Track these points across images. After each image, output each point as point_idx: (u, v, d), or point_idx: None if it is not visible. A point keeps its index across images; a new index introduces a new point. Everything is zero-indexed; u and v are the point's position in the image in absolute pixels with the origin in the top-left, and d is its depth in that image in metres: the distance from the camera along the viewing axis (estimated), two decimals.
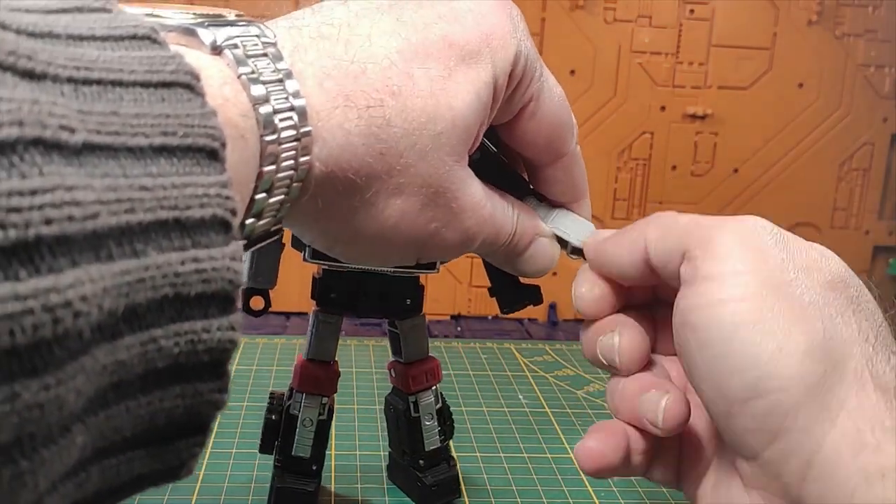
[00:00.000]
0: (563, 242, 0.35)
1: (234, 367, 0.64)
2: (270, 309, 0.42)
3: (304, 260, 0.38)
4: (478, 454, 0.53)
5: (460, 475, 0.46)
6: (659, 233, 0.32)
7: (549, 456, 0.53)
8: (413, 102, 0.28)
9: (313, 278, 0.41)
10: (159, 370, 0.20)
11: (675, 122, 0.82)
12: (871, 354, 0.28)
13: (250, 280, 0.41)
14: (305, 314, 0.79)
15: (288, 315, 0.79)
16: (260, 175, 0.25)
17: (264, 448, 0.43)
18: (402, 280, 0.40)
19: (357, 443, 0.53)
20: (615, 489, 0.49)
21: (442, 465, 0.44)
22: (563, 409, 0.61)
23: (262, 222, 0.26)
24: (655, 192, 0.82)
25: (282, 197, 0.26)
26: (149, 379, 0.20)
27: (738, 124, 0.82)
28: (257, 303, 0.41)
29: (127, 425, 0.20)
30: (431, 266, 0.39)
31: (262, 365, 0.65)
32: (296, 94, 0.25)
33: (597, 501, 0.48)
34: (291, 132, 0.25)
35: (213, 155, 0.21)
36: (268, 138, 0.25)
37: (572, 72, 0.80)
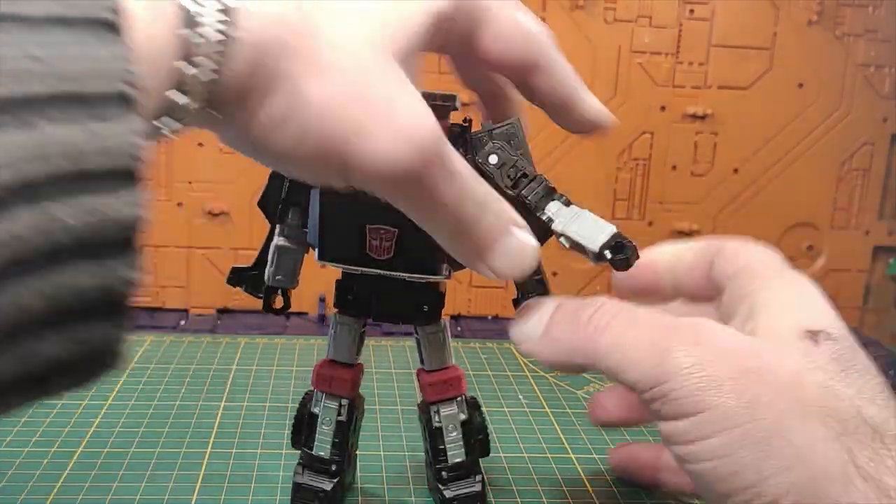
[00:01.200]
0: (581, 248, 0.33)
1: (233, 367, 0.64)
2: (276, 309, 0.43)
3: (317, 261, 0.39)
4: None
5: (488, 492, 0.44)
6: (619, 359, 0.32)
7: (549, 456, 0.53)
8: None
9: (336, 282, 0.41)
10: (62, 245, 0.19)
11: (675, 122, 0.82)
12: (853, 444, 0.29)
13: (271, 279, 0.41)
14: (305, 314, 0.79)
15: (288, 315, 0.79)
16: (180, 41, 0.24)
17: (294, 443, 0.44)
18: (421, 286, 0.39)
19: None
20: (615, 489, 0.49)
21: (467, 479, 0.43)
22: (563, 409, 0.61)
23: (187, 100, 0.25)
24: (655, 192, 0.82)
25: (208, 66, 0.25)
26: (51, 255, 0.19)
27: (738, 124, 0.82)
28: (278, 302, 0.43)
29: (33, 304, 0.19)
30: (448, 273, 0.38)
31: (262, 365, 0.65)
32: None
33: (597, 502, 0.48)
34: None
35: (112, 27, 0.20)
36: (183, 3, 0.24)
37: None
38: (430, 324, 0.42)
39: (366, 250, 0.37)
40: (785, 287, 0.35)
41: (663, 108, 0.81)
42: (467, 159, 0.32)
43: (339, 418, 0.42)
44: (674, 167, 0.82)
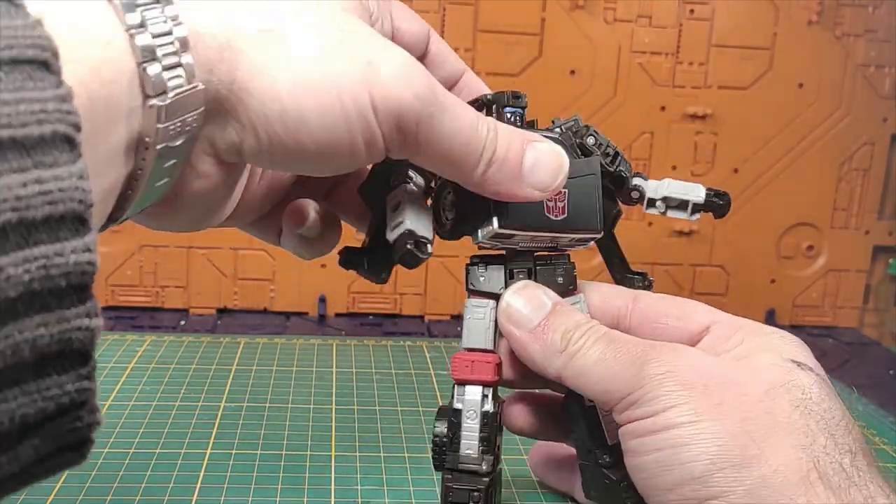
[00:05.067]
0: (682, 205, 0.38)
1: (233, 367, 0.64)
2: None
3: (477, 241, 0.37)
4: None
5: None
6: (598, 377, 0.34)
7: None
8: None
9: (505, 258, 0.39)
10: (12, 299, 0.19)
11: (675, 122, 0.82)
12: (820, 455, 0.30)
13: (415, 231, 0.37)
14: (306, 314, 0.79)
15: (288, 315, 0.79)
16: (139, 49, 0.24)
17: (437, 465, 0.40)
18: (551, 258, 0.39)
19: (357, 444, 0.53)
20: None
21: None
22: None
23: (170, 99, 0.25)
24: None
25: (177, 63, 0.25)
26: (3, 311, 0.18)
27: (738, 124, 0.82)
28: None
29: None
30: (591, 239, 0.38)
31: (262, 365, 0.65)
32: None
33: None
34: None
35: (45, 66, 0.19)
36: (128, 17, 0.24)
37: (572, 72, 0.80)
38: (566, 295, 0.39)
39: (545, 212, 0.36)
40: (772, 332, 0.37)
41: (663, 108, 0.81)
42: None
43: (485, 408, 0.39)
44: (674, 167, 0.82)
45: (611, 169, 0.39)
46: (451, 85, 0.39)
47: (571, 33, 0.79)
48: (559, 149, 0.34)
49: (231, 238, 0.79)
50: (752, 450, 0.30)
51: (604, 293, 0.40)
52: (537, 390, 0.42)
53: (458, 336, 0.68)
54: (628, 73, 0.80)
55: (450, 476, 0.39)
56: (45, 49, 0.20)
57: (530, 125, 0.38)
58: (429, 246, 0.35)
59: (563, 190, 0.36)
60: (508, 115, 0.36)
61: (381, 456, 0.52)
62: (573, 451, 0.43)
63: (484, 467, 0.39)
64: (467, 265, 0.39)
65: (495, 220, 0.36)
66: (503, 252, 0.39)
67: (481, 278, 0.39)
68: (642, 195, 0.40)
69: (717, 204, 0.39)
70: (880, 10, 0.82)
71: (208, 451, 0.51)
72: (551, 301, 0.37)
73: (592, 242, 0.39)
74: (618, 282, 0.41)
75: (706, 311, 0.38)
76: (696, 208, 0.39)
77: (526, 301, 0.37)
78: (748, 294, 0.85)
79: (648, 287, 0.40)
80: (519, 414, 0.42)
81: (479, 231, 0.36)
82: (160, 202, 0.29)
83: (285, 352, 0.68)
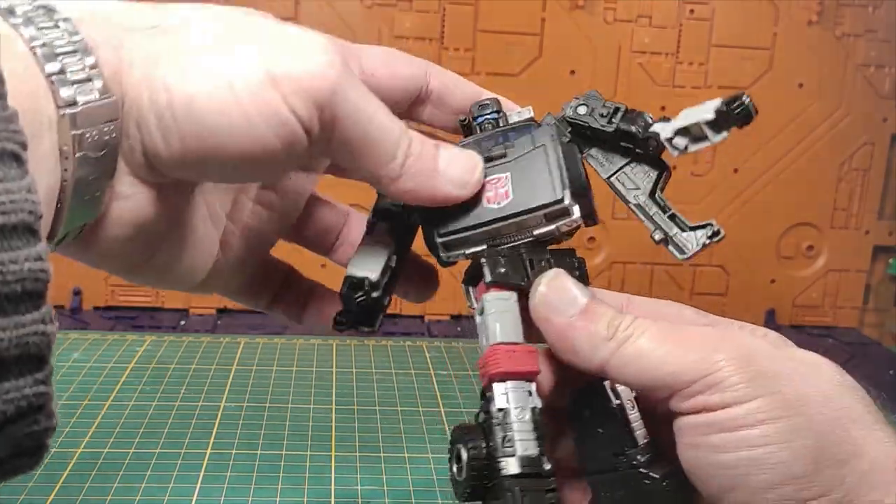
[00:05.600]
0: (697, 132, 0.33)
1: (233, 367, 0.64)
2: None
3: (443, 261, 0.36)
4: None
5: None
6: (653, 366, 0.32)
7: None
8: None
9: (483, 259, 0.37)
10: None
11: None
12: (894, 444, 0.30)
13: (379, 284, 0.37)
14: None
15: None
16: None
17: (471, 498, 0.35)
18: (562, 251, 0.36)
19: (357, 444, 0.53)
20: None
21: (662, 461, 0.36)
22: None
23: (80, 108, 0.25)
24: None
25: (85, 78, 0.26)
26: None
27: None
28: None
29: None
30: (565, 212, 0.35)
31: (262, 365, 0.65)
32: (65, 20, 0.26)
33: None
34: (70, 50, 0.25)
35: (16, 158, 0.21)
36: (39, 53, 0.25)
37: (572, 72, 0.80)
38: None
39: (485, 204, 0.35)
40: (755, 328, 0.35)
41: (663, 108, 0.81)
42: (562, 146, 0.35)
43: (534, 404, 0.34)
44: (674, 167, 0.82)
45: (608, 129, 0.36)
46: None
47: (571, 33, 0.79)
48: (470, 151, 0.34)
49: None
50: (849, 445, 0.29)
51: (596, 295, 0.39)
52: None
53: (459, 336, 0.67)
54: (628, 73, 0.80)
55: (511, 482, 0.34)
56: (18, 142, 0.21)
57: (531, 121, 0.37)
58: (365, 283, 0.35)
59: (500, 176, 0.35)
60: (484, 123, 0.36)
61: (381, 456, 0.52)
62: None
63: (547, 467, 0.34)
64: (483, 258, 0.36)
65: (434, 232, 0.35)
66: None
67: (501, 269, 0.36)
68: (658, 141, 0.35)
69: (728, 112, 0.33)
70: (880, 10, 0.82)
71: (208, 451, 0.51)
72: (589, 290, 0.34)
73: (576, 216, 0.35)
74: (677, 238, 0.36)
75: (697, 314, 0.37)
76: (714, 127, 0.33)
77: (563, 289, 0.34)
78: (748, 294, 0.85)
79: (716, 235, 0.36)
80: None
81: (437, 251, 0.35)
82: (94, 230, 0.29)
83: (285, 352, 0.68)
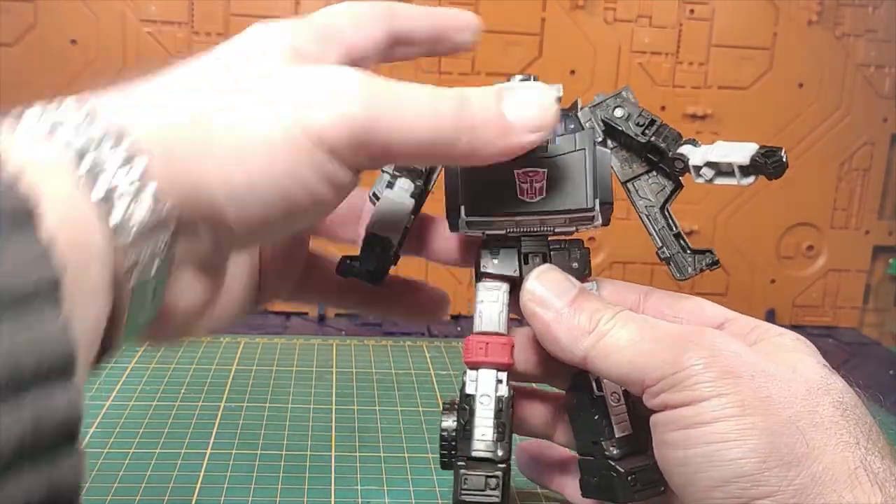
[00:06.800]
0: (728, 171, 0.34)
1: (233, 367, 0.64)
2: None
3: (461, 231, 0.36)
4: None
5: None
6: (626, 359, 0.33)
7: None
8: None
9: (478, 249, 0.39)
10: (6, 452, 0.19)
11: (675, 122, 0.81)
12: (864, 454, 0.30)
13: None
14: (305, 314, 0.79)
15: (288, 315, 0.79)
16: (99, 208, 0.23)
17: (444, 464, 0.38)
18: (565, 242, 0.38)
19: (357, 444, 0.53)
20: None
21: (639, 455, 0.37)
22: None
23: (132, 236, 0.24)
24: None
25: (134, 199, 0.24)
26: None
27: (738, 124, 0.82)
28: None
29: None
30: (590, 217, 0.36)
31: (261, 365, 0.65)
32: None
33: None
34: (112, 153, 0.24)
35: (27, 219, 0.20)
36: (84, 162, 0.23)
37: (572, 72, 0.80)
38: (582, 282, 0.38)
39: (517, 195, 0.35)
40: (785, 332, 0.36)
41: (663, 108, 0.81)
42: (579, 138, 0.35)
43: (500, 393, 0.37)
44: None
45: (641, 139, 0.37)
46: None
47: (571, 33, 0.79)
48: (537, 84, 0.32)
49: None
50: (802, 448, 0.29)
51: (616, 287, 0.39)
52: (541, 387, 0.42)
53: (459, 336, 0.68)
54: (628, 73, 0.80)
55: (463, 464, 0.37)
56: (27, 203, 0.20)
57: (574, 104, 0.37)
58: (389, 244, 0.36)
59: (538, 170, 0.35)
60: None
61: (381, 456, 0.52)
62: (563, 451, 0.42)
63: (500, 454, 0.36)
64: (479, 248, 0.38)
65: (462, 209, 0.35)
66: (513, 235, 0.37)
67: (494, 261, 0.38)
68: (685, 164, 0.37)
69: (763, 164, 0.34)
70: (880, 10, 0.82)
71: (208, 451, 0.52)
72: (577, 285, 0.36)
73: (598, 223, 0.37)
74: (678, 258, 0.38)
75: (717, 308, 0.38)
76: (745, 171, 0.35)
77: (552, 283, 0.35)
78: (748, 294, 0.85)
79: (715, 264, 0.38)
80: (530, 413, 0.41)
81: (458, 221, 0.36)
82: (154, 324, 0.28)
83: (285, 352, 0.68)
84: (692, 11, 0.80)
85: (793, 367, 0.32)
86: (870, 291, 0.88)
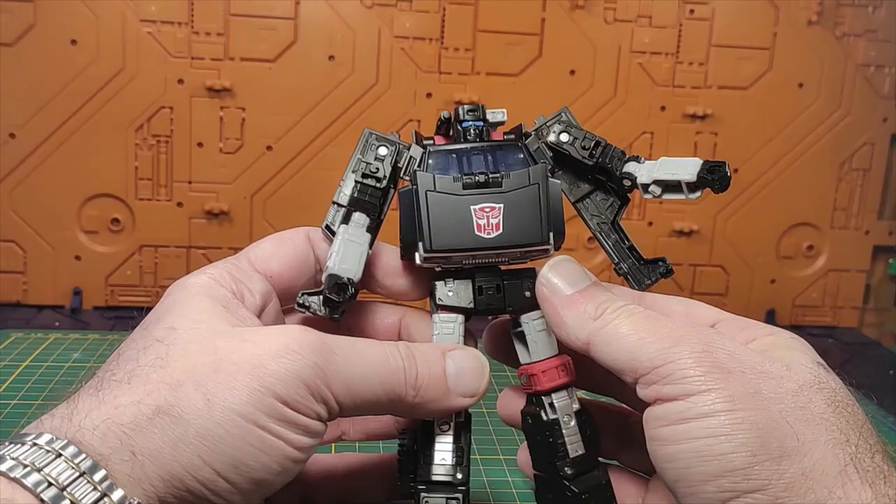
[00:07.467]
0: (675, 186, 0.36)
1: None
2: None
3: (418, 263, 0.37)
4: (477, 456, 0.53)
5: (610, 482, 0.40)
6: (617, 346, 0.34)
7: None
8: None
9: (433, 282, 0.39)
10: None
11: (675, 122, 0.82)
12: (854, 451, 0.30)
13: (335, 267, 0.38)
14: None
15: None
16: None
17: (401, 471, 0.39)
18: (519, 272, 0.39)
19: (357, 444, 0.53)
20: None
21: (591, 473, 0.38)
22: None
23: None
24: None
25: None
26: None
27: (738, 124, 0.82)
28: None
29: None
30: (544, 250, 0.37)
31: None
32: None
33: None
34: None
35: None
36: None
37: (572, 72, 0.80)
38: (533, 310, 0.39)
39: (475, 231, 0.36)
40: (779, 331, 0.36)
41: (663, 108, 0.81)
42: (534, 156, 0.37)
43: (459, 419, 0.38)
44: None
45: (588, 162, 0.38)
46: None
47: (571, 33, 0.79)
48: (474, 351, 0.36)
49: (231, 238, 0.79)
50: (792, 442, 0.30)
51: (611, 290, 0.40)
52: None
53: None
54: (628, 73, 0.80)
55: (423, 487, 0.38)
56: None
57: (517, 129, 0.38)
58: (349, 288, 0.36)
59: (495, 206, 0.36)
60: (470, 129, 0.37)
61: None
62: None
63: (459, 477, 0.38)
64: (433, 280, 0.39)
65: (420, 246, 0.36)
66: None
67: (449, 293, 0.39)
68: (633, 182, 0.38)
69: (709, 180, 0.35)
70: (880, 10, 0.82)
71: None
72: (591, 278, 0.37)
73: (551, 253, 0.38)
74: (633, 270, 0.39)
75: (709, 309, 0.38)
76: (692, 187, 0.36)
77: (566, 272, 0.36)
78: (748, 294, 0.85)
79: (669, 272, 0.39)
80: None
81: (415, 254, 0.37)
82: None
83: None
84: (692, 11, 0.80)
85: (786, 364, 0.33)
86: (870, 291, 0.88)
